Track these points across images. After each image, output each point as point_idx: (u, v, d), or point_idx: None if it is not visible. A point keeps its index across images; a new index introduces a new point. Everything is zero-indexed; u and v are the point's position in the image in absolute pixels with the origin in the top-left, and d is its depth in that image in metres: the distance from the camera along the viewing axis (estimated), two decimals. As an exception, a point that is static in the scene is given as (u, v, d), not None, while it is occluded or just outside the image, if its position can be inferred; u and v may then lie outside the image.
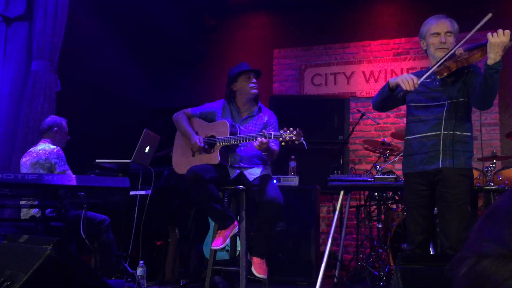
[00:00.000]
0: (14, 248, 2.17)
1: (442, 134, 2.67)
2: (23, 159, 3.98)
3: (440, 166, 2.65)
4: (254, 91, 3.45)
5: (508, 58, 5.78)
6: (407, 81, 2.59)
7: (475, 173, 4.23)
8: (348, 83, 6.35)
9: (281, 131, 3.01)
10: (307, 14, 6.60)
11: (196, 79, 6.93)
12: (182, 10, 6.61)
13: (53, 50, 4.85)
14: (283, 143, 3.02)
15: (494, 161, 4.17)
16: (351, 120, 5.64)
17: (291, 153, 4.75)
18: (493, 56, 2.43)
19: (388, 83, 2.75)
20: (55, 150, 3.88)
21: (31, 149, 4.01)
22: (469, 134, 2.73)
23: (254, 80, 3.46)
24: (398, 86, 2.67)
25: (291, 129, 2.98)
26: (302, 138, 2.97)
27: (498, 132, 5.75)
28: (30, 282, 1.81)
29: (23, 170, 3.93)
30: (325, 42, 6.54)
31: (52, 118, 4.14)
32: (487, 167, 3.97)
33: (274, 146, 3.30)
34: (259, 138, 3.04)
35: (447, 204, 2.64)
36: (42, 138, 4.09)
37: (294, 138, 2.96)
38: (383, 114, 6.09)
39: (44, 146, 3.94)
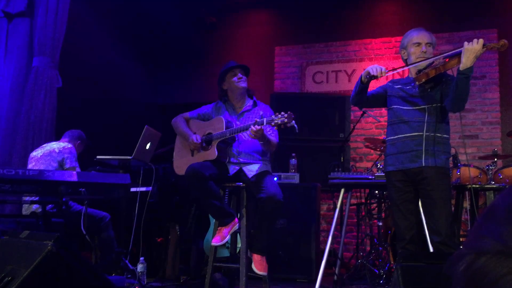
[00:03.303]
0: (15, 244, 2.18)
1: (424, 135, 2.82)
2: (33, 153, 4.08)
3: (423, 165, 2.79)
4: (242, 84, 3.47)
5: (509, 59, 5.81)
6: (375, 69, 2.83)
7: (477, 172, 4.23)
8: (349, 80, 6.35)
9: (273, 116, 3.06)
10: (308, 12, 6.60)
11: (197, 76, 6.93)
12: (183, 7, 6.61)
13: (54, 46, 4.86)
14: (275, 127, 3.07)
15: (495, 159, 4.17)
16: (352, 118, 5.64)
17: (292, 150, 4.75)
18: (465, 61, 2.59)
19: (360, 77, 2.95)
20: (68, 146, 4.09)
21: (44, 144, 4.18)
22: (447, 136, 2.89)
23: (240, 75, 3.48)
24: (367, 75, 2.88)
25: (282, 112, 3.02)
26: (293, 121, 3.01)
27: (499, 130, 5.75)
28: (31, 278, 1.81)
29: (32, 163, 3.99)
30: (326, 40, 6.54)
31: (81, 133, 4.40)
32: (488, 165, 3.96)
33: (273, 137, 3.31)
34: (252, 127, 3.06)
35: (433, 201, 2.76)
36: (62, 138, 4.31)
37: (285, 120, 2.99)
38: (384, 113, 6.08)
39: (60, 142, 4.16)
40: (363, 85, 2.96)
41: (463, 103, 2.74)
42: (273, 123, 3.03)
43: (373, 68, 2.84)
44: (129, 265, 3.80)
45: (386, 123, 6.09)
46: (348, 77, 6.36)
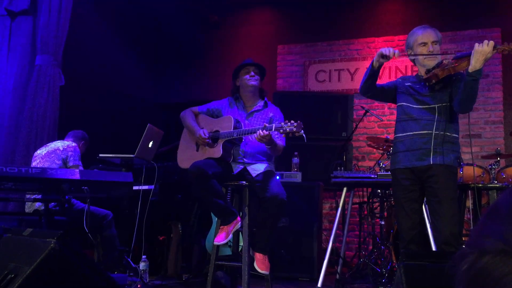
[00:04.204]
0: (18, 241, 2.18)
1: (433, 134, 2.79)
2: (38, 151, 4.13)
3: (431, 163, 2.77)
4: (252, 82, 3.46)
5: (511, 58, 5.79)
6: (388, 50, 2.77)
7: (479, 171, 4.22)
8: (352, 79, 6.34)
9: (282, 123, 3.04)
10: (311, 10, 6.59)
11: (200, 74, 6.93)
12: (186, 6, 6.61)
13: (57, 44, 4.86)
14: (283, 134, 3.06)
15: (498, 159, 4.16)
16: (354, 116, 5.63)
17: (295, 149, 4.74)
18: (474, 63, 2.56)
19: (372, 62, 2.90)
20: (73, 145, 4.13)
21: (48, 143, 4.21)
22: (456, 135, 2.87)
23: (252, 73, 3.47)
24: (380, 57, 2.81)
25: (292, 121, 3.01)
26: (302, 131, 3.00)
27: (502, 130, 5.74)
28: (33, 275, 1.82)
29: (36, 160, 4.02)
30: (329, 38, 6.53)
31: (84, 133, 4.43)
32: (490, 165, 3.95)
33: (279, 141, 3.30)
34: (259, 131, 3.05)
35: (438, 199, 2.73)
36: (66, 138, 4.34)
37: (294, 129, 2.98)
38: (387, 111, 6.09)
39: (64, 141, 4.19)
40: (374, 69, 2.89)
41: (471, 105, 2.72)
42: (281, 131, 3.01)
43: (386, 49, 2.79)
44: (132, 263, 3.80)
45: (388, 122, 6.13)
46: (351, 76, 6.35)
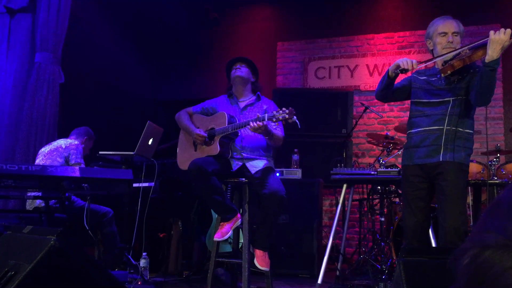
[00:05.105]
0: (18, 239, 2.18)
1: (445, 129, 2.72)
2: (42, 149, 4.15)
3: (441, 160, 2.70)
4: (236, 73, 3.49)
5: (512, 53, 5.78)
6: (406, 62, 2.72)
7: (479, 167, 4.22)
8: (351, 76, 6.33)
9: (274, 112, 3.06)
10: (311, 7, 6.58)
11: (200, 72, 6.92)
12: (185, 3, 6.59)
13: (57, 41, 4.85)
14: (277, 123, 3.08)
15: (498, 155, 4.16)
16: (354, 113, 5.63)
17: (294, 146, 4.74)
18: (491, 53, 2.48)
19: (387, 71, 2.85)
20: (75, 143, 4.12)
21: (52, 141, 4.25)
22: (470, 131, 2.79)
23: (238, 66, 3.51)
24: (397, 68, 2.77)
25: (283, 108, 3.02)
26: (295, 117, 3.00)
27: (502, 126, 5.74)
28: (34, 272, 1.82)
29: (38, 158, 4.04)
30: (329, 35, 6.52)
31: (88, 129, 4.42)
32: (490, 161, 3.95)
33: (277, 131, 3.31)
34: (252, 123, 3.06)
35: (446, 197, 2.67)
36: (70, 136, 4.33)
37: (287, 116, 2.99)
38: (387, 108, 6.08)
39: (67, 139, 4.18)
40: (390, 80, 2.84)
41: (489, 97, 2.62)
42: (274, 119, 3.03)
43: (404, 61, 2.72)
44: (132, 260, 3.81)
45: (388, 119, 6.12)
46: (351, 73, 6.35)
